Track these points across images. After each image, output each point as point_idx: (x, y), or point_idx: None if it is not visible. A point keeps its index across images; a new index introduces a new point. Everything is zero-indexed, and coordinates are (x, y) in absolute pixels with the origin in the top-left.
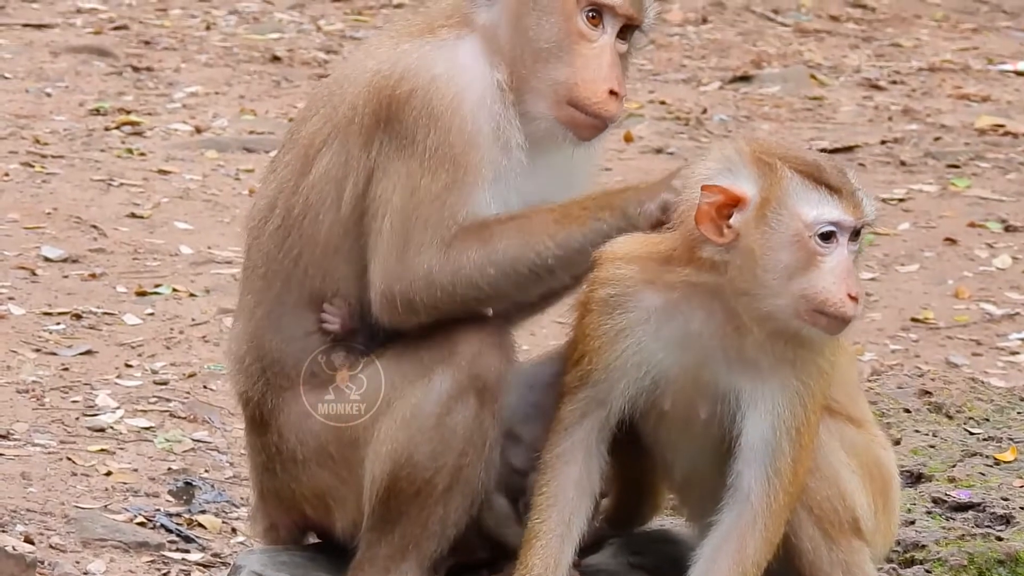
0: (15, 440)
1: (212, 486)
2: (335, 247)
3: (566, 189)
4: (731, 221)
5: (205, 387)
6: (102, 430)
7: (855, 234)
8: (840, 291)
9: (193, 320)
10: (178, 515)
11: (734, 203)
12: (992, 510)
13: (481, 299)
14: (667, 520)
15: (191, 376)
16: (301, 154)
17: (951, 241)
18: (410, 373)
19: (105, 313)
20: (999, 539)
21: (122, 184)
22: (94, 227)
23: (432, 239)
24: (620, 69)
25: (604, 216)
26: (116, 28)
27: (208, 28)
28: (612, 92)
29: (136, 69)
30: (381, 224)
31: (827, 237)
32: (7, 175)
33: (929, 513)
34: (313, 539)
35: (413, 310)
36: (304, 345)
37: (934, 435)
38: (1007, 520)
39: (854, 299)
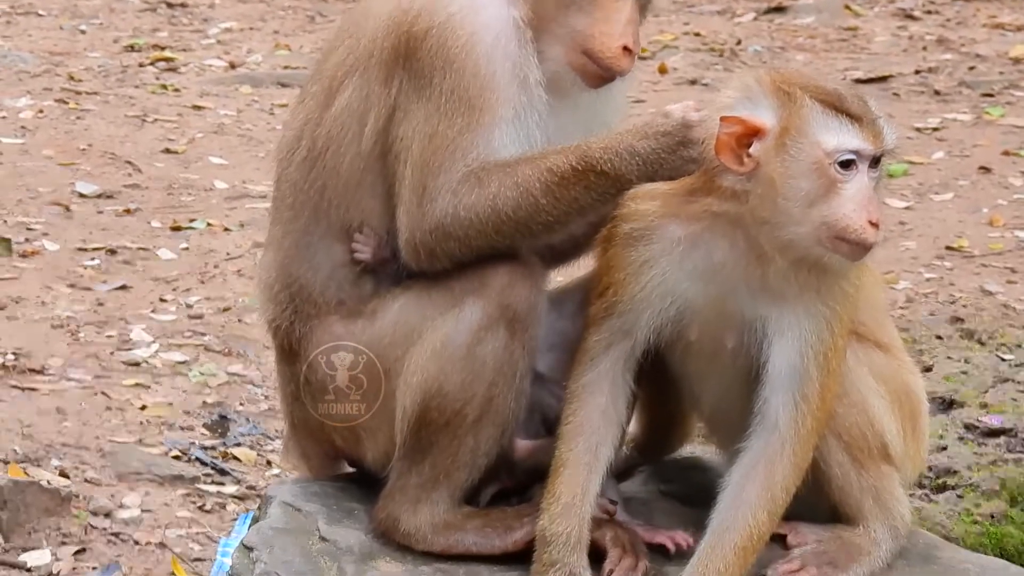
0: (50, 375)
1: (247, 419)
2: (357, 181)
3: (591, 126)
4: (751, 150)
5: (240, 321)
6: (137, 364)
7: (875, 161)
8: (861, 217)
9: (228, 254)
10: (213, 448)
11: (753, 133)
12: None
13: (494, 244)
14: (697, 448)
15: (226, 310)
16: (325, 86)
17: (985, 169)
18: (440, 304)
19: (140, 248)
20: None
21: (156, 120)
22: (128, 163)
23: (443, 186)
24: (637, 26)
25: (601, 155)
26: None
27: None
28: (626, 48)
29: (170, 5)
30: (403, 171)
31: (847, 165)
32: (42, 112)
33: (961, 439)
34: (345, 469)
35: (434, 257)
36: (332, 274)
37: (966, 361)
38: None
39: (875, 225)
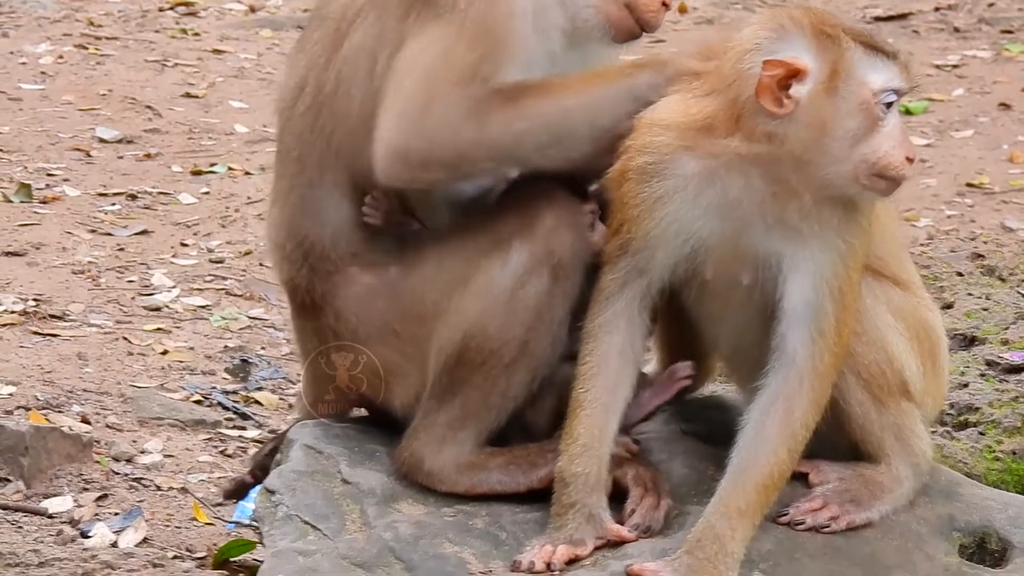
0: (71, 321)
1: (268, 363)
2: (367, 123)
3: None
4: (791, 92)
5: (261, 264)
6: (158, 309)
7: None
8: (900, 154)
9: (248, 198)
10: (234, 392)
11: (794, 75)
12: None
13: (500, 160)
14: (718, 387)
15: (247, 254)
16: (332, 29)
17: (1005, 106)
18: (486, 247)
19: (160, 193)
20: None
21: (176, 64)
22: (149, 107)
23: (461, 97)
24: None
25: (634, 72)
26: None
27: None
28: (664, 4)
29: None
30: (403, 81)
31: (889, 104)
32: (61, 57)
33: (982, 375)
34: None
35: (426, 167)
36: (340, 229)
37: (987, 298)
38: None
39: (911, 161)
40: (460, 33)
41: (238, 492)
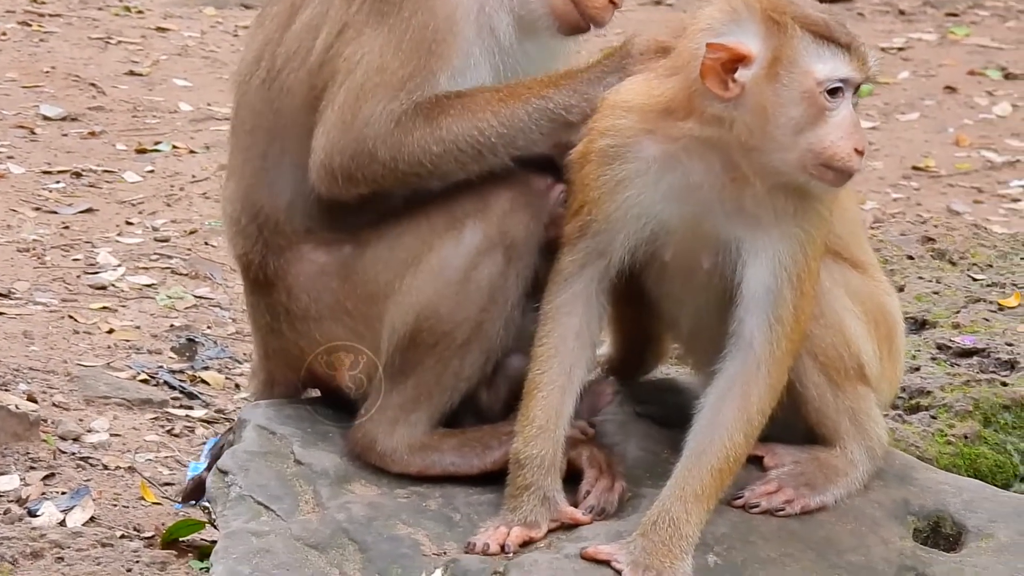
0: (16, 299)
1: (215, 342)
2: (309, 101)
3: (548, 69)
4: (736, 76)
5: (206, 243)
6: (103, 288)
7: (857, 88)
8: (847, 145)
9: (193, 177)
10: (181, 372)
11: (739, 60)
12: (997, 355)
13: (422, 175)
14: (671, 369)
15: (192, 233)
16: (288, 4)
17: (951, 89)
18: (440, 227)
19: (105, 171)
20: (1004, 384)
21: (120, 42)
22: (93, 85)
23: (382, 114)
24: None
25: (549, 93)
26: None
27: None
28: (611, 1)
29: None
30: (335, 92)
31: (834, 92)
32: (4, 34)
33: (934, 359)
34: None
35: (353, 182)
36: (294, 201)
37: (938, 281)
38: (1012, 365)
39: (860, 153)
40: (398, 44)
41: (197, 491)
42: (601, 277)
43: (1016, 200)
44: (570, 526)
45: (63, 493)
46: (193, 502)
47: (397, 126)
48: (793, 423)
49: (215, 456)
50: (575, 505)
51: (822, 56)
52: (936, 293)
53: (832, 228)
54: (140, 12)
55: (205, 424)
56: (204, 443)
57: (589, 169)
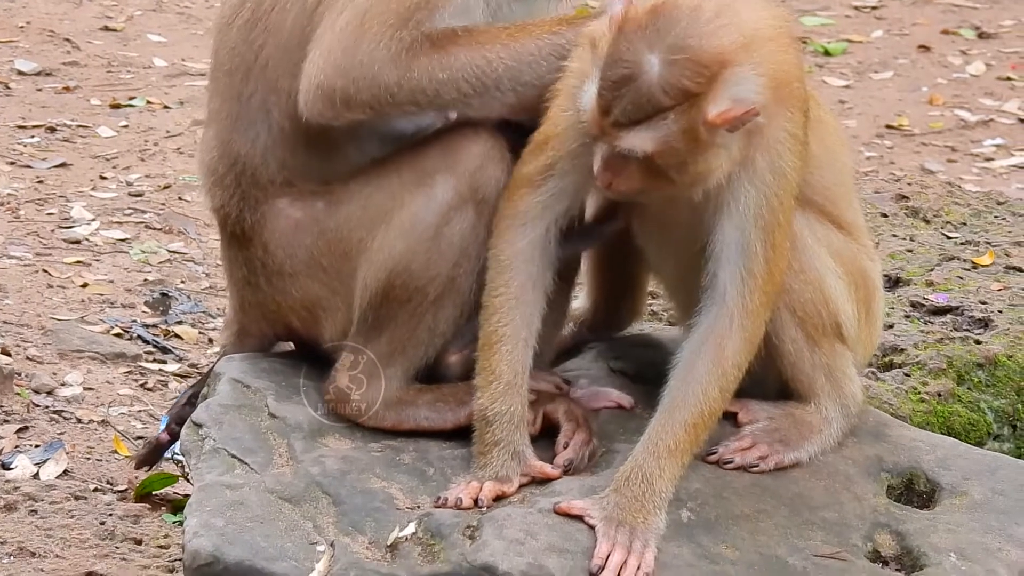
0: None
1: (188, 297)
2: (298, 40)
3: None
4: None
5: (180, 198)
6: (77, 242)
7: None
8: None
9: (167, 132)
10: (154, 326)
11: None
12: (970, 313)
13: (421, 103)
14: (647, 325)
15: (166, 188)
16: None
17: (925, 48)
18: (410, 182)
19: (79, 126)
20: (977, 342)
21: None
22: (67, 40)
23: (390, 39)
24: None
25: (561, 30)
26: None
27: None
28: None
29: None
30: (336, 18)
31: None
32: None
33: (908, 317)
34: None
35: (350, 106)
36: (271, 147)
37: (911, 239)
38: (985, 324)
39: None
40: None
41: (153, 455)
42: (560, 221)
43: (989, 159)
44: (542, 481)
45: (36, 446)
46: (147, 467)
47: (406, 51)
48: (767, 377)
49: (174, 417)
50: (551, 459)
51: None
52: (910, 251)
53: (814, 178)
54: None
55: (179, 379)
56: (176, 398)
57: (557, 103)
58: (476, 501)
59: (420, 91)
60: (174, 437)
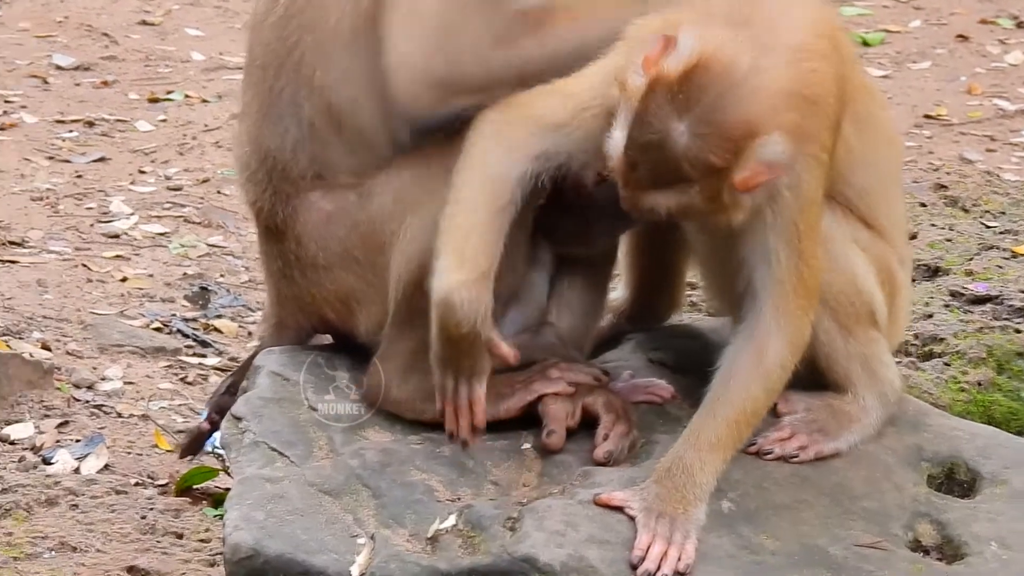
0: (30, 247)
1: (227, 290)
2: (339, 35)
3: None
4: None
5: (219, 192)
6: (117, 236)
7: None
8: None
9: (206, 126)
10: (194, 320)
11: None
12: (1010, 302)
13: (528, 83)
14: (685, 316)
15: (204, 181)
16: None
17: (963, 38)
18: (440, 172)
19: (118, 120)
20: (1017, 331)
21: None
22: (105, 35)
23: (489, 20)
24: None
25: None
26: None
27: None
28: None
29: None
30: (417, 4)
31: None
32: None
33: (947, 306)
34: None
35: (457, 92)
36: (301, 140)
37: (950, 228)
38: None
39: None
40: None
41: (195, 444)
42: (541, 177)
43: None
44: (584, 475)
45: (77, 441)
46: (191, 456)
47: (505, 31)
48: (803, 370)
49: (214, 407)
50: (591, 451)
51: None
52: (949, 240)
53: (854, 177)
54: None
55: (218, 372)
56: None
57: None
58: None
59: (526, 70)
60: (215, 426)
